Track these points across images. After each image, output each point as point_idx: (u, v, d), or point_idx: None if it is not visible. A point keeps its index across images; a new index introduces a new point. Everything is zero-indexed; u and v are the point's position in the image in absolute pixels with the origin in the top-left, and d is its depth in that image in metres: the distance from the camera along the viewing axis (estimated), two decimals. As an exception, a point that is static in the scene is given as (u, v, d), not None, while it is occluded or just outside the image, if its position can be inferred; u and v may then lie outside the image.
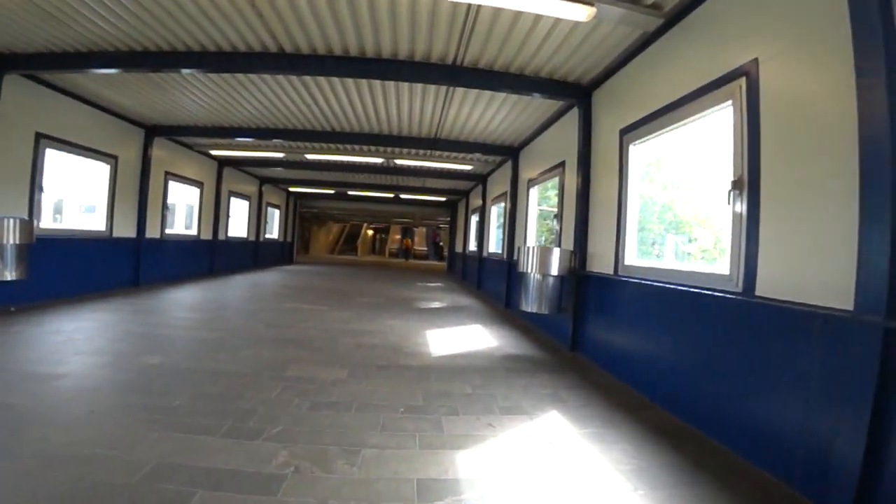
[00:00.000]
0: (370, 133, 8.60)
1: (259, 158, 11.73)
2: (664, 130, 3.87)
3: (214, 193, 12.42)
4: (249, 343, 4.77)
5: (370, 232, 41.36)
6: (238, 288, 9.72)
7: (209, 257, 12.29)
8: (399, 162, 10.74)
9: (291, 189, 18.15)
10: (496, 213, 11.69)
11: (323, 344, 4.93)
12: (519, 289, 5.30)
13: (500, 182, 10.66)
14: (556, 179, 6.61)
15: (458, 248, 17.83)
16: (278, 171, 14.53)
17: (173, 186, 10.46)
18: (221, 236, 12.95)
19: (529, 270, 5.00)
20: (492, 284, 10.54)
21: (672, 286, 3.46)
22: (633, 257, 4.31)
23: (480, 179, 12.40)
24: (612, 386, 3.96)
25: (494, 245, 11.70)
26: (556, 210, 6.53)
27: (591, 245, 5.16)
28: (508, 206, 9.18)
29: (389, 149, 9.54)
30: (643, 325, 3.87)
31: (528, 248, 5.13)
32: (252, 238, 15.60)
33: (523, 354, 5.01)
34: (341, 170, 12.28)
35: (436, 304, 8.83)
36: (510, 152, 8.89)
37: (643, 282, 3.90)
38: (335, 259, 28.52)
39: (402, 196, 17.08)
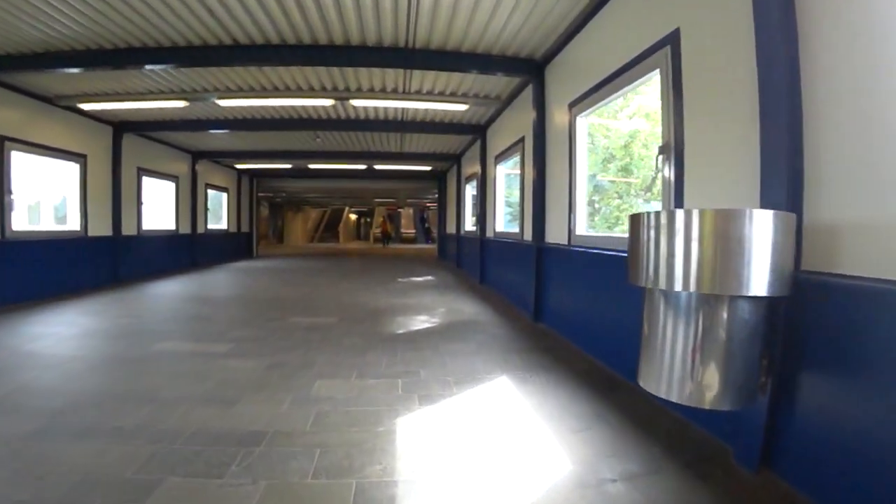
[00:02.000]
0: (299, 44, 5.13)
1: (152, 114, 8.22)
2: None
3: (111, 171, 8.96)
4: None
5: (353, 216, 37.97)
6: (123, 310, 6.28)
7: (110, 261, 8.84)
8: (358, 104, 7.26)
9: (239, 166, 14.57)
10: (503, 176, 8.33)
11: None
12: (640, 332, 1.89)
13: (507, 129, 7.26)
14: (656, 78, 3.26)
15: (451, 229, 14.44)
16: (215, 142, 11.01)
17: (26, 161, 7.00)
18: (130, 230, 9.51)
19: (675, 284, 1.63)
20: (503, 278, 7.24)
21: None
22: None
23: (477, 132, 8.97)
24: None
25: (503, 222, 8.37)
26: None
27: (827, 205, 1.84)
28: (531, 162, 5.83)
29: (337, 70, 6.02)
30: None
31: (678, 214, 1.71)
32: (186, 230, 12.14)
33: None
34: (285, 127, 8.79)
35: (422, 323, 5.46)
36: (529, 69, 5.48)
37: None
38: (311, 249, 24.89)
39: (377, 166, 13.57)
